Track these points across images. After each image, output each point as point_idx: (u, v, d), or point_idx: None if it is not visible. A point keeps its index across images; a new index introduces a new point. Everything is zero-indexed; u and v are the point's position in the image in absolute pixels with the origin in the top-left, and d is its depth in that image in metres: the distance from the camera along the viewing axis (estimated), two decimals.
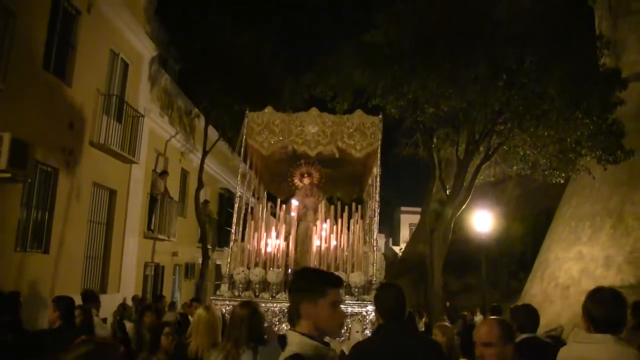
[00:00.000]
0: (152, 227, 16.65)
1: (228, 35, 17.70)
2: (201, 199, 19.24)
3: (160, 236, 17.00)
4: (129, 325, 10.17)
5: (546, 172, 16.00)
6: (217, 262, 21.73)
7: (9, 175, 9.14)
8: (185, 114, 19.54)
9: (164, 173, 17.31)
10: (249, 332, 4.01)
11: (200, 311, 4.72)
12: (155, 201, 16.81)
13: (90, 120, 12.83)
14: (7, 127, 9.17)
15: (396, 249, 60.78)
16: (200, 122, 19.85)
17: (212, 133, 19.37)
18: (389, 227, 69.07)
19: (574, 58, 13.32)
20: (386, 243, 66.49)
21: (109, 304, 11.89)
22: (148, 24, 16.21)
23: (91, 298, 8.60)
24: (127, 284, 14.81)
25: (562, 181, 16.65)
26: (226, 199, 23.75)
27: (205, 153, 18.70)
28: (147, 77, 16.29)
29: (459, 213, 16.91)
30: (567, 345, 3.42)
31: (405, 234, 62.34)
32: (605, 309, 3.16)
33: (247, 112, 8.15)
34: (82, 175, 12.52)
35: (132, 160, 14.59)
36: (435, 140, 16.72)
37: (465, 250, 24.94)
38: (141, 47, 15.67)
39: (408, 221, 62.50)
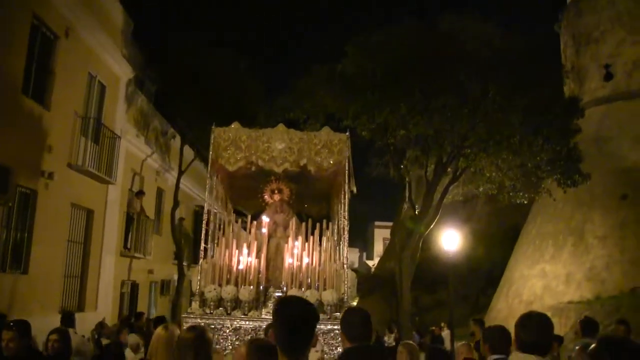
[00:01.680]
0: (129, 246, 16.91)
1: (203, 57, 18.17)
2: (177, 217, 19.57)
3: (136, 254, 17.26)
4: (106, 343, 10.46)
5: (510, 194, 16.69)
6: (193, 279, 21.99)
7: None
8: (161, 134, 19.86)
9: (141, 193, 17.60)
10: (195, 357, 3.78)
11: (159, 330, 4.58)
12: (132, 220, 17.08)
13: (68, 143, 13.13)
14: None
15: (370, 263, 61.20)
16: (176, 142, 20.23)
17: (188, 153, 19.79)
18: (363, 241, 69.51)
19: (536, 88, 14.02)
20: (360, 257, 66.90)
21: (86, 322, 12.20)
22: (125, 47, 16.56)
23: (69, 319, 8.94)
24: (104, 302, 15.05)
25: (525, 202, 17.34)
26: (201, 216, 23.93)
27: (180, 173, 19.11)
28: (123, 98, 16.62)
29: (427, 231, 17.48)
30: None
31: (379, 248, 62.63)
32: (532, 333, 3.44)
33: (213, 127, 8.05)
34: (61, 196, 12.80)
35: (108, 180, 14.89)
36: (405, 161, 17.21)
37: (436, 266, 25.37)
38: (118, 69, 16.01)
39: (382, 236, 62.80)
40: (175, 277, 19.99)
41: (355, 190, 8.40)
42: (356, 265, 59.98)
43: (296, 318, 2.78)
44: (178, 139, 20.06)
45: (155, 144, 19.35)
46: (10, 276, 10.98)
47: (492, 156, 14.75)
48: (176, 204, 19.04)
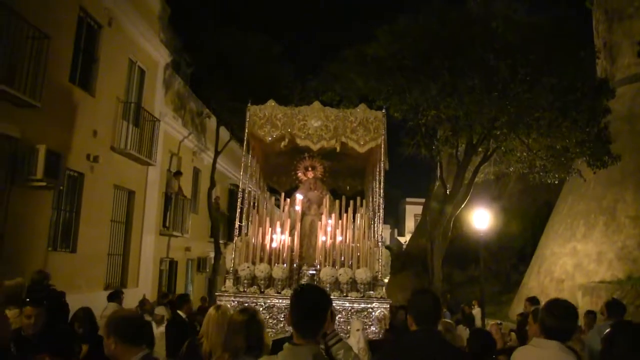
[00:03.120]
0: (167, 225, 17.56)
1: (237, 42, 18.60)
2: (213, 196, 20.15)
3: (174, 233, 17.89)
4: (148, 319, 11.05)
5: (541, 174, 16.85)
6: (227, 257, 22.64)
7: (44, 183, 10.07)
8: (197, 115, 20.38)
9: (178, 173, 18.15)
10: (248, 340, 3.79)
11: (211, 310, 4.64)
12: (170, 200, 17.70)
13: (111, 127, 13.72)
14: (42, 140, 10.13)
15: (402, 239, 61.63)
16: (212, 122, 20.76)
17: (224, 133, 20.31)
18: (395, 218, 69.91)
19: (565, 69, 14.10)
20: (392, 234, 67.38)
21: (128, 298, 12.84)
22: (162, 32, 17.05)
23: (116, 295, 9.57)
24: (144, 279, 15.73)
25: (556, 182, 17.46)
26: (236, 194, 24.52)
27: (217, 154, 19.65)
28: (161, 82, 17.14)
29: (458, 211, 17.75)
30: (521, 347, 3.92)
31: (410, 225, 62.98)
32: (557, 320, 3.57)
33: (249, 105, 8.07)
34: (104, 178, 13.43)
35: (148, 162, 15.48)
36: (435, 142, 17.43)
37: (469, 243, 25.57)
38: (156, 54, 16.51)
39: (413, 212, 63.12)
40: (212, 254, 20.63)
41: (387, 167, 8.27)
42: (388, 241, 60.46)
43: (311, 305, 3.05)
44: (213, 119, 20.58)
45: (191, 125, 19.90)
46: (60, 255, 11.67)
47: (521, 137, 14.93)
48: (213, 184, 19.64)
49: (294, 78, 19.54)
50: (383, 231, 8.19)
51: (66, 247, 12.02)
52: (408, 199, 66.14)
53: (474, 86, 13.80)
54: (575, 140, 14.43)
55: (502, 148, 16.43)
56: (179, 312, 8.73)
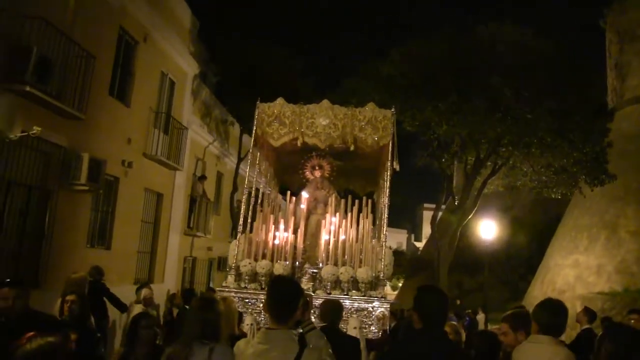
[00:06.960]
0: (191, 225, 18.67)
1: (262, 53, 19.73)
2: (235, 200, 21.29)
3: (197, 233, 18.98)
4: (175, 312, 12.28)
5: (545, 188, 17.79)
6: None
7: (86, 187, 11.26)
8: (221, 122, 21.52)
9: (203, 177, 19.26)
10: (203, 329, 3.63)
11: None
12: (194, 202, 18.82)
13: (144, 135, 14.87)
14: (85, 148, 11.33)
15: (418, 244, 62.41)
16: (235, 129, 21.92)
17: (246, 140, 21.40)
18: (412, 223, 70.70)
19: (566, 92, 15.03)
20: (408, 239, 68.14)
21: (154, 293, 13.99)
22: (192, 44, 18.20)
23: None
24: (169, 276, 16.90)
25: (559, 197, 18.37)
26: (257, 197, 25.70)
27: (239, 160, 20.79)
28: (190, 92, 18.29)
29: (466, 221, 18.70)
30: (520, 344, 4.06)
31: (427, 230, 63.25)
32: (549, 317, 3.91)
33: (258, 102, 8.08)
34: (137, 182, 14.59)
35: (176, 167, 16.61)
36: (445, 155, 18.38)
37: (479, 251, 26.35)
38: (186, 66, 17.64)
39: (430, 218, 63.61)
40: None
41: (397, 168, 8.13)
42: (404, 246, 61.23)
43: (283, 294, 3.42)
44: (237, 126, 21.72)
45: (216, 132, 21.02)
46: (97, 251, 12.82)
47: (523, 155, 15.87)
48: (235, 188, 20.78)
49: (313, 91, 20.57)
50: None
51: (102, 245, 13.18)
52: (426, 205, 66.79)
53: (478, 107, 14.73)
54: (572, 160, 15.35)
55: (510, 162, 17.33)
56: (187, 307, 9.19)
